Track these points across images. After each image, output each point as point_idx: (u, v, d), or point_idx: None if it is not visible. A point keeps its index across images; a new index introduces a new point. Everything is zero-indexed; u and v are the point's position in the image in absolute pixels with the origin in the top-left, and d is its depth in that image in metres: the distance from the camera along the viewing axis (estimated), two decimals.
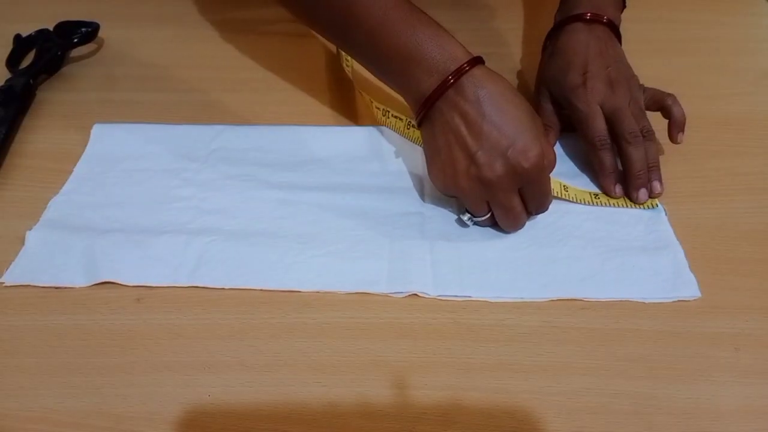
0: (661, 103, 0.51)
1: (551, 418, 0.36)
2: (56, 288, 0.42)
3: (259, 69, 0.61)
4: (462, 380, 0.38)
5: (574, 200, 0.48)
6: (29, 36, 0.62)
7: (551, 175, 0.45)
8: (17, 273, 0.43)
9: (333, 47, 0.63)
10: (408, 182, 0.50)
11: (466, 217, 0.45)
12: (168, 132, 0.54)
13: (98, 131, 0.54)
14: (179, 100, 0.58)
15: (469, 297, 0.42)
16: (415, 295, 0.42)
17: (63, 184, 0.49)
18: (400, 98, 0.47)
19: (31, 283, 0.42)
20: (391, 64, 0.44)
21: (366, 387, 0.38)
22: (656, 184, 0.48)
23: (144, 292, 0.42)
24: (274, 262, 0.44)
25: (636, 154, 0.48)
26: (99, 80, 0.61)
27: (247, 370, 0.39)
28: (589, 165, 0.51)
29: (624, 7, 0.56)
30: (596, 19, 0.52)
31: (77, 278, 0.43)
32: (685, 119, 0.50)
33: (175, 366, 0.39)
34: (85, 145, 0.53)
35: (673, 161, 0.52)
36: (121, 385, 0.38)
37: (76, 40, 0.62)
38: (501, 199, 0.43)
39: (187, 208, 0.47)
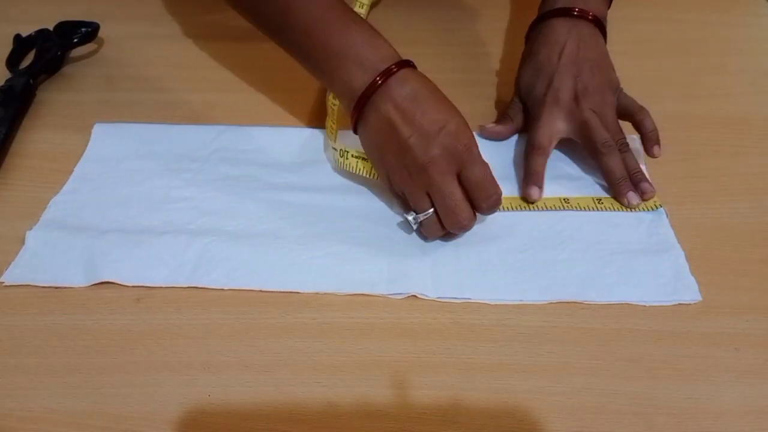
0: (632, 115, 0.51)
1: (551, 418, 0.36)
2: (56, 288, 0.42)
3: (260, 69, 0.61)
4: (462, 380, 0.38)
5: (577, 209, 0.48)
6: (29, 36, 0.62)
7: (550, 194, 0.46)
8: (17, 273, 0.43)
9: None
10: None
11: (411, 217, 0.44)
12: (168, 132, 0.54)
13: (99, 131, 0.54)
14: (179, 100, 0.58)
15: (469, 299, 0.42)
16: (415, 295, 0.42)
17: (63, 184, 0.49)
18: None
19: (31, 283, 0.42)
20: (326, 62, 0.45)
21: (366, 387, 0.38)
22: (645, 185, 0.48)
23: (144, 292, 0.42)
24: (274, 263, 0.44)
25: (611, 164, 0.48)
26: (99, 80, 0.61)
27: (247, 370, 0.39)
28: (590, 169, 0.51)
29: (610, 2, 0.55)
30: (581, 15, 0.51)
31: (77, 278, 0.43)
32: (657, 133, 0.50)
33: (175, 366, 0.39)
34: (85, 145, 0.53)
35: (673, 161, 0.52)
36: (121, 385, 0.38)
37: (76, 40, 0.62)
38: (438, 183, 0.42)
39: (187, 209, 0.47)
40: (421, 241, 0.45)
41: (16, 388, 0.38)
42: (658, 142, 0.49)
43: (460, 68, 0.61)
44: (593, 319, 0.41)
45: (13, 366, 0.39)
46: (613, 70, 0.52)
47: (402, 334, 0.40)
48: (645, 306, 0.42)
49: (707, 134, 0.55)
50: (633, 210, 0.48)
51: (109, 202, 0.48)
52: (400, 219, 0.47)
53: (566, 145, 0.52)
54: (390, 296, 0.42)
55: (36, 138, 0.54)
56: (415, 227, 0.45)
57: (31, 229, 0.45)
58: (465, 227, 0.43)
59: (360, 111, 0.44)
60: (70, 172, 0.50)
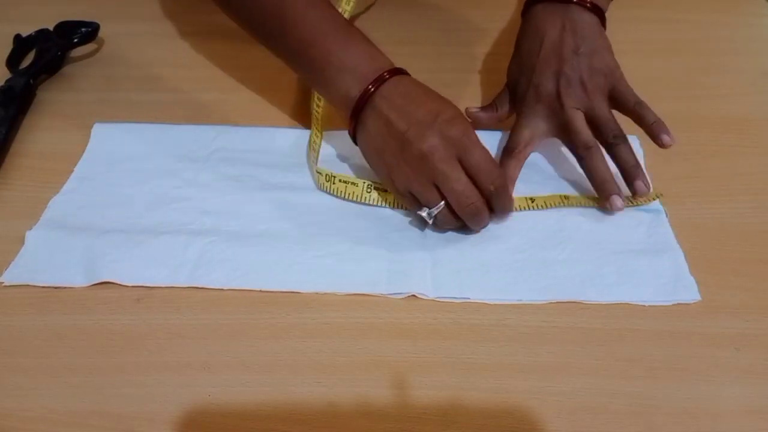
0: (629, 110, 0.48)
1: (551, 418, 0.36)
2: (56, 288, 0.42)
3: (260, 69, 0.61)
4: (462, 380, 0.38)
5: (578, 206, 0.48)
6: (29, 36, 0.62)
7: (551, 192, 0.46)
8: (17, 273, 0.43)
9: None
10: None
11: (424, 213, 0.43)
12: (168, 132, 0.54)
13: (99, 131, 0.54)
14: (179, 100, 0.58)
15: (468, 299, 0.42)
16: (415, 295, 0.42)
17: (63, 184, 0.49)
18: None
19: (31, 283, 0.42)
20: (323, 74, 0.45)
21: (366, 387, 0.38)
22: (638, 184, 0.46)
23: (144, 292, 0.42)
24: (274, 263, 0.44)
25: (594, 165, 0.47)
26: (99, 80, 0.61)
27: (247, 370, 0.39)
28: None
29: None
30: (581, 2, 0.48)
31: (77, 278, 0.43)
32: (660, 122, 0.46)
33: (175, 366, 0.39)
34: (85, 145, 0.53)
35: (673, 161, 0.52)
36: (121, 385, 0.38)
37: (76, 40, 0.62)
38: (442, 170, 0.41)
39: (187, 209, 0.47)
40: (421, 241, 0.45)
41: (16, 388, 0.38)
42: (666, 131, 0.46)
43: (459, 68, 0.61)
44: (593, 319, 0.41)
45: (13, 366, 0.39)
46: (609, 52, 0.48)
47: (402, 334, 0.40)
48: (645, 306, 0.42)
49: (707, 134, 0.55)
50: (633, 205, 0.48)
51: (109, 202, 0.48)
52: (400, 220, 0.47)
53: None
54: (390, 296, 0.42)
55: (36, 138, 0.54)
56: (430, 221, 0.44)
57: (30, 229, 0.45)
58: (478, 213, 0.43)
59: (357, 117, 0.44)
60: (70, 172, 0.50)
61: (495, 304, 0.42)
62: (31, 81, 0.57)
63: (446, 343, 0.40)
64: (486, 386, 0.38)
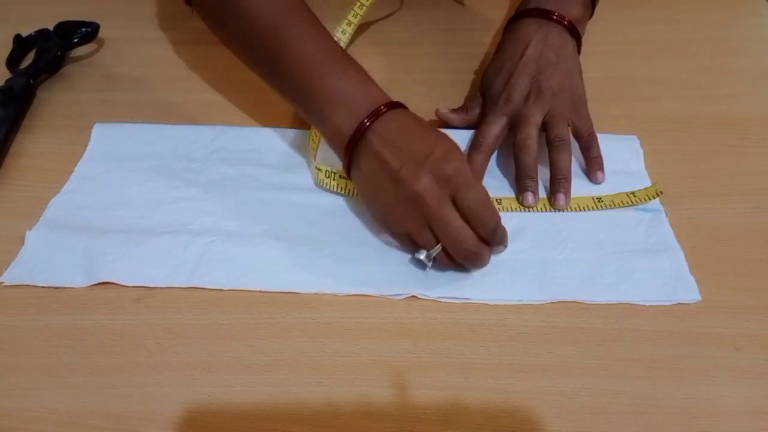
0: (580, 137, 0.50)
1: (551, 418, 0.36)
2: (56, 288, 0.42)
3: None
4: (462, 380, 0.38)
5: (577, 209, 0.48)
6: (29, 36, 0.62)
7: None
8: (17, 273, 0.43)
9: None
10: None
11: (422, 255, 0.42)
12: (169, 132, 0.54)
13: (99, 131, 0.54)
14: (179, 100, 0.58)
15: (469, 299, 0.42)
16: (415, 296, 0.42)
17: (63, 184, 0.49)
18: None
19: (31, 283, 0.42)
20: (317, 107, 0.44)
21: (366, 387, 0.38)
22: (560, 196, 0.47)
23: (144, 292, 0.42)
24: (274, 264, 0.44)
25: (522, 158, 0.48)
26: (99, 80, 0.61)
27: (247, 370, 0.39)
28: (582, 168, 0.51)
29: (593, 11, 0.55)
30: (557, 20, 0.51)
31: (77, 278, 0.43)
32: (601, 159, 0.50)
33: (175, 366, 0.39)
34: (86, 145, 0.53)
35: (673, 161, 0.52)
36: (121, 385, 0.38)
37: (76, 40, 0.62)
38: (435, 212, 0.40)
39: (187, 209, 0.47)
40: None
41: (16, 388, 0.38)
42: (601, 168, 0.50)
43: (459, 68, 0.61)
44: (593, 319, 0.41)
45: (13, 366, 0.39)
46: (578, 78, 0.51)
47: (402, 334, 0.40)
48: (645, 306, 0.42)
49: (707, 134, 0.55)
50: (633, 204, 0.48)
51: (109, 202, 0.48)
52: None
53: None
54: (390, 296, 0.42)
55: (36, 138, 0.54)
56: (429, 264, 0.42)
57: (30, 229, 0.45)
58: (475, 257, 0.41)
59: (351, 153, 0.43)
60: (70, 172, 0.50)
61: (495, 304, 0.42)
62: (31, 81, 0.57)
63: (446, 343, 0.40)
64: (486, 386, 0.38)
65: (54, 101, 0.58)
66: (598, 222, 0.47)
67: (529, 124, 0.49)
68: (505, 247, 0.43)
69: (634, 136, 0.54)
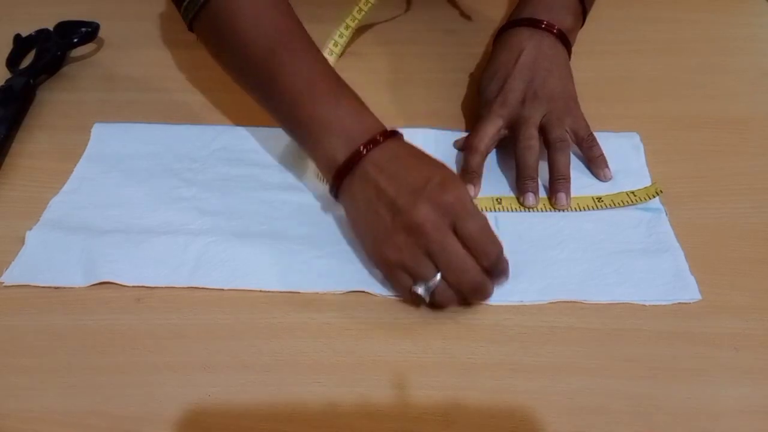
0: (580, 140, 0.50)
1: (551, 418, 0.36)
2: (56, 288, 0.42)
3: None
4: (462, 380, 0.38)
5: (577, 209, 0.48)
6: (29, 36, 0.62)
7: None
8: (16, 273, 0.43)
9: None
10: None
11: (420, 288, 0.39)
12: (168, 132, 0.54)
13: (98, 131, 0.54)
14: (179, 100, 0.58)
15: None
16: None
17: (63, 184, 0.49)
18: None
19: (31, 283, 0.42)
20: (311, 134, 0.44)
21: (366, 387, 0.38)
22: (561, 196, 0.47)
23: (144, 292, 0.42)
24: (274, 263, 0.44)
25: (523, 157, 0.48)
26: (99, 80, 0.61)
27: (247, 370, 0.39)
28: (581, 169, 0.51)
29: (584, 20, 0.56)
30: (546, 28, 0.52)
31: (77, 278, 0.43)
32: (604, 157, 0.50)
33: (175, 366, 0.39)
34: (85, 145, 0.53)
35: (673, 161, 0.52)
36: (121, 385, 0.38)
37: (76, 40, 0.62)
38: (436, 240, 0.38)
39: (187, 209, 0.47)
40: None
41: (16, 388, 0.38)
42: (607, 165, 0.50)
43: (459, 68, 0.61)
44: (593, 319, 0.41)
45: (13, 366, 0.39)
46: (571, 83, 0.52)
47: (402, 334, 0.40)
48: (645, 306, 0.42)
49: (707, 134, 0.55)
50: (632, 204, 0.48)
51: (108, 202, 0.48)
52: None
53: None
54: (390, 296, 0.42)
55: (36, 138, 0.54)
56: (427, 298, 0.40)
57: (30, 229, 0.45)
58: (479, 287, 0.40)
59: (341, 181, 0.42)
60: (70, 172, 0.50)
61: (495, 304, 0.42)
62: (31, 81, 0.57)
63: (446, 343, 0.40)
64: (486, 386, 0.38)
65: (54, 101, 0.58)
66: (598, 222, 0.47)
67: (530, 125, 0.49)
68: (507, 278, 0.41)
69: (635, 133, 0.54)
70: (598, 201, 0.48)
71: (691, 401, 0.37)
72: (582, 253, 0.45)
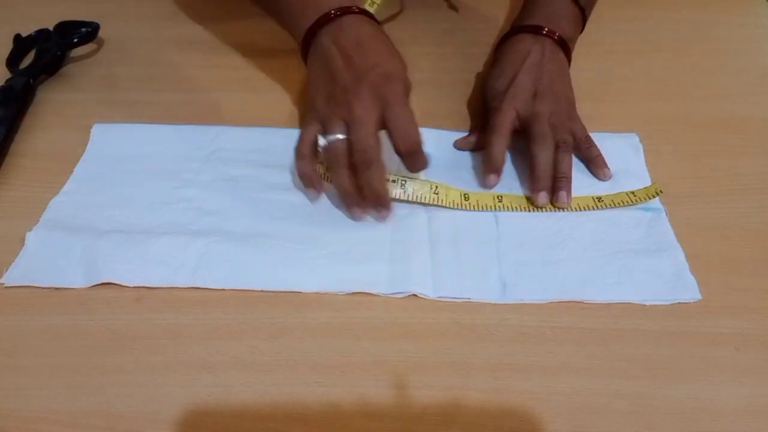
0: (578, 143, 0.51)
1: (551, 418, 0.36)
2: (56, 288, 0.42)
3: (260, 69, 0.61)
4: (462, 380, 0.38)
5: (577, 209, 0.48)
6: (29, 36, 0.62)
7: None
8: (17, 274, 0.43)
9: None
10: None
11: (322, 140, 0.45)
12: (168, 132, 0.54)
13: (98, 131, 0.54)
14: (179, 101, 0.58)
15: (469, 299, 0.42)
16: (415, 295, 0.42)
17: (63, 184, 0.49)
18: None
19: (31, 284, 0.42)
20: (289, 7, 0.49)
21: (366, 387, 0.38)
22: (562, 194, 0.47)
23: (144, 292, 0.42)
24: (275, 263, 0.44)
25: (541, 155, 0.48)
26: (99, 80, 0.61)
27: (247, 370, 0.39)
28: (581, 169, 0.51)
29: (584, 26, 0.57)
30: (548, 35, 0.53)
31: (77, 279, 0.43)
32: (602, 157, 0.51)
33: (175, 366, 0.39)
34: (85, 145, 0.53)
35: (673, 161, 0.52)
36: (121, 385, 0.38)
37: (76, 40, 0.62)
38: (357, 116, 0.43)
39: (187, 209, 0.47)
40: (421, 242, 0.45)
41: (16, 388, 0.38)
42: (606, 165, 0.50)
43: (459, 68, 0.61)
44: (593, 318, 0.41)
45: (13, 366, 0.39)
46: (571, 89, 0.53)
47: (402, 334, 0.40)
48: (645, 306, 0.42)
49: (707, 134, 0.55)
50: (634, 203, 0.48)
51: (108, 202, 0.48)
52: (401, 219, 0.47)
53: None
54: (390, 296, 0.42)
55: (36, 138, 0.54)
56: (321, 149, 0.45)
57: (30, 229, 0.45)
58: (369, 165, 0.43)
59: (307, 44, 0.47)
60: (70, 172, 0.50)
61: (495, 304, 0.42)
62: (31, 81, 0.57)
63: (446, 343, 0.40)
64: (486, 386, 0.38)
65: (54, 101, 0.58)
66: (598, 222, 0.47)
67: (543, 121, 0.49)
68: (426, 167, 0.45)
69: (634, 134, 0.54)
70: (598, 201, 0.48)
71: (691, 401, 0.37)
72: (582, 253, 0.45)
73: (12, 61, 0.60)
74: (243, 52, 0.63)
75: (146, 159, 0.51)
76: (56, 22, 0.63)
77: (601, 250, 0.45)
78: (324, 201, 0.48)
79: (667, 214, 0.48)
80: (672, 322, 0.41)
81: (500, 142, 0.49)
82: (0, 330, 0.40)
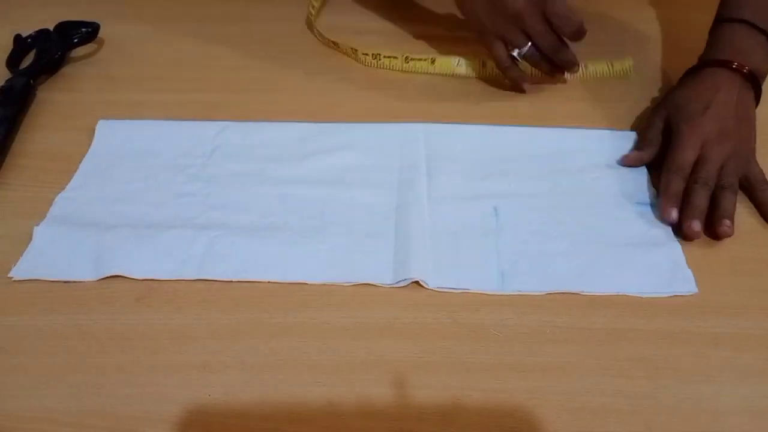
0: (753, 186, 0.49)
1: (551, 418, 0.36)
2: (56, 288, 0.42)
3: (260, 69, 0.62)
4: (462, 380, 0.38)
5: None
6: (29, 36, 0.62)
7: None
8: (25, 268, 0.43)
9: (332, 45, 0.63)
10: (412, 176, 0.50)
11: (515, 52, 0.55)
12: (173, 128, 0.54)
13: (103, 127, 0.54)
14: (180, 101, 0.58)
15: (467, 289, 0.42)
16: (415, 294, 0.42)
17: (63, 183, 0.49)
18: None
19: (40, 278, 0.43)
20: None
21: (366, 387, 0.38)
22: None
23: (144, 292, 0.42)
24: (280, 255, 0.44)
25: (695, 197, 0.46)
26: (99, 80, 0.61)
27: (247, 370, 0.39)
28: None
29: None
30: (739, 69, 0.52)
31: (86, 272, 0.43)
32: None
33: (175, 366, 0.39)
34: (86, 145, 0.53)
35: None
36: (121, 385, 0.38)
37: (76, 40, 0.62)
38: (533, 23, 0.53)
39: (193, 203, 0.48)
40: (424, 233, 0.46)
41: (16, 388, 0.38)
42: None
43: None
44: (593, 318, 0.41)
45: (13, 366, 0.39)
46: (754, 129, 0.51)
47: (402, 334, 0.40)
48: (645, 306, 0.42)
49: None
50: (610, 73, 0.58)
51: (115, 197, 0.48)
52: (403, 211, 0.47)
53: None
54: (392, 286, 0.42)
55: (36, 138, 0.54)
56: (520, 59, 0.56)
57: (38, 224, 0.46)
58: (559, 49, 0.55)
59: None
60: (71, 171, 0.50)
61: (495, 304, 0.42)
62: (31, 81, 0.58)
63: (446, 343, 0.40)
64: (486, 386, 0.38)
65: (54, 101, 0.58)
66: (597, 216, 0.47)
67: (711, 164, 0.48)
68: (583, 36, 0.54)
69: (633, 133, 0.54)
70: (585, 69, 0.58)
71: (691, 401, 0.37)
72: (581, 246, 0.45)
73: (12, 62, 0.60)
74: (243, 53, 0.63)
75: (151, 154, 0.52)
76: (56, 23, 0.63)
77: (600, 243, 0.45)
78: (329, 194, 0.48)
79: None
80: (672, 321, 0.41)
81: (679, 182, 0.47)
82: (0, 330, 0.40)
